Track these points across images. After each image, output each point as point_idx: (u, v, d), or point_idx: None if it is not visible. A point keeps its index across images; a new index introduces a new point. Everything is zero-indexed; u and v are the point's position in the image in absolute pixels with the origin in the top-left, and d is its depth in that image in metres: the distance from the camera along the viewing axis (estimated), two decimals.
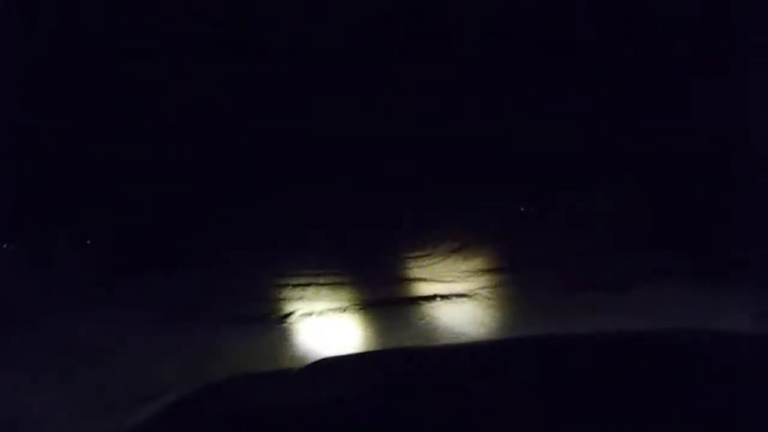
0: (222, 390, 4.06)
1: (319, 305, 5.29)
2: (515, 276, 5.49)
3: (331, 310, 5.21)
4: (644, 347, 3.69)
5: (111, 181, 6.23)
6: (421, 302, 5.21)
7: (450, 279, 5.64)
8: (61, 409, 3.87)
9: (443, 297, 5.25)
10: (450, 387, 3.15)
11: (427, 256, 5.99)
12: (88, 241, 6.22)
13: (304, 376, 3.99)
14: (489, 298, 5.13)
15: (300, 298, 5.46)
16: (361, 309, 5.17)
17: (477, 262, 5.84)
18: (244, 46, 6.22)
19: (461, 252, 6.02)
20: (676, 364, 3.16)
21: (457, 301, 5.15)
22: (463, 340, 4.36)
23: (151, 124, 6.30)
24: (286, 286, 5.66)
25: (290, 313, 5.17)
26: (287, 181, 6.23)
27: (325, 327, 4.93)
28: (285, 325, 4.97)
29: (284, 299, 5.45)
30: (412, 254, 6.08)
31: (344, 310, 5.18)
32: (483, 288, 5.35)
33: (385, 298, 5.36)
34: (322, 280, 5.73)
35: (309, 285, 5.66)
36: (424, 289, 5.47)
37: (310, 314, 5.16)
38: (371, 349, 4.48)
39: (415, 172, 6.26)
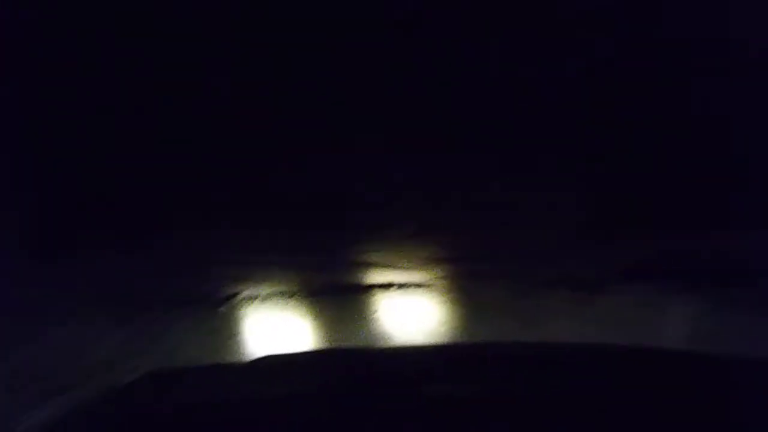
0: (150, 383, 3.60)
1: (264, 289, 4.92)
2: (477, 267, 5.17)
3: (277, 294, 4.86)
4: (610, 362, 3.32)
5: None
6: (375, 291, 4.88)
7: (404, 266, 5.28)
8: None
9: (399, 286, 4.93)
10: (402, 393, 2.76)
11: (381, 239, 5.59)
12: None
13: (245, 373, 3.55)
14: (447, 290, 4.85)
15: (243, 280, 5.06)
16: (309, 296, 4.83)
17: (435, 249, 5.49)
18: None
19: (418, 237, 5.64)
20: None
21: (414, 292, 4.85)
22: (418, 339, 4.10)
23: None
24: (227, 265, 5.24)
25: (231, 297, 4.79)
26: (234, 152, 5.76)
27: (270, 314, 4.60)
28: (225, 311, 4.61)
29: (222, 281, 5.04)
30: (366, 237, 5.68)
31: (292, 296, 4.83)
32: (441, 278, 5.04)
33: (335, 284, 5.00)
34: (267, 261, 5.31)
35: (253, 266, 5.25)
36: (377, 276, 5.13)
37: (253, 299, 4.79)
38: (319, 344, 4.19)
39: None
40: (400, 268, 5.24)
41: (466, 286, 4.90)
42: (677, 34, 5.85)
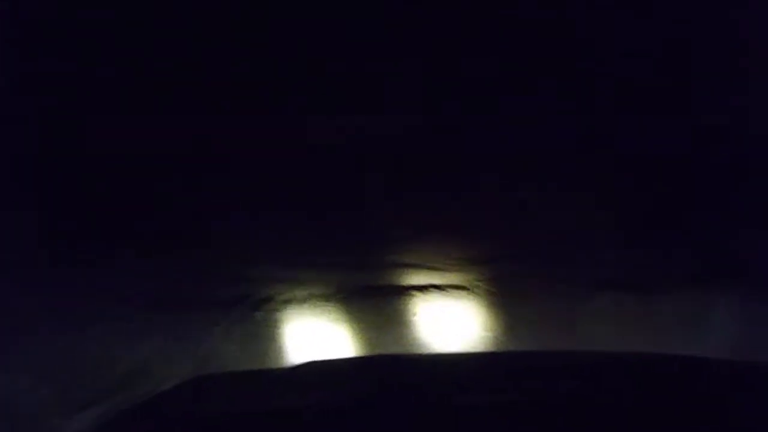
0: (190, 391, 3.53)
1: (300, 291, 4.85)
2: (516, 268, 5.01)
3: (314, 297, 4.79)
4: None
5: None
6: (413, 293, 4.79)
7: (443, 267, 5.15)
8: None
9: (438, 288, 4.82)
10: (449, 403, 2.66)
11: (416, 238, 5.45)
12: None
13: (286, 380, 3.45)
14: (488, 293, 4.73)
15: (279, 282, 4.99)
16: (347, 298, 4.75)
17: (472, 250, 5.35)
18: None
19: (454, 237, 5.50)
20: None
21: (453, 294, 4.74)
22: (460, 346, 4.00)
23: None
24: (262, 267, 5.17)
25: (268, 300, 4.74)
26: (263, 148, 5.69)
27: (307, 318, 4.53)
28: (262, 314, 4.55)
29: (259, 283, 4.98)
30: (402, 236, 5.55)
31: (328, 299, 4.76)
32: (480, 280, 4.91)
33: (372, 286, 4.89)
34: (302, 262, 5.22)
35: (289, 267, 5.16)
36: (416, 277, 5.03)
37: (290, 302, 4.73)
38: (360, 350, 4.12)
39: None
40: (437, 269, 5.10)
41: (506, 289, 4.75)
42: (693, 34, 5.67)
